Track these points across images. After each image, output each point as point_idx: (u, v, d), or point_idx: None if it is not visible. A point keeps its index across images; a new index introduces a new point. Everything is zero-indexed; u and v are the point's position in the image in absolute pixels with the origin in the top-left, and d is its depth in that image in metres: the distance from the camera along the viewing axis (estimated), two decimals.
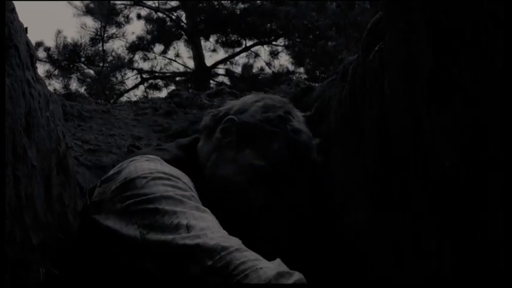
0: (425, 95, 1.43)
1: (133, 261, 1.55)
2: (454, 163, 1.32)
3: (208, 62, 15.48)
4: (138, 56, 15.48)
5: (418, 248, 1.60)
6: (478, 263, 1.25)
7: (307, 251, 2.66)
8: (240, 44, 15.15)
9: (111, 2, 14.58)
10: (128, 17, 14.97)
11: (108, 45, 14.84)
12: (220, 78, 15.60)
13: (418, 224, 1.59)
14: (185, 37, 15.24)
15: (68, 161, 1.90)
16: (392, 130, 1.75)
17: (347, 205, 2.28)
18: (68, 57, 14.19)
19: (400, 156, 1.70)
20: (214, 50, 15.23)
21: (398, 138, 1.70)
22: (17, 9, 1.52)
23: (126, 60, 15.18)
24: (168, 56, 15.72)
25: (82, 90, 13.80)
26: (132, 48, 15.19)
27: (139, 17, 15.22)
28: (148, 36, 15.32)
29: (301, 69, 14.90)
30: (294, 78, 12.82)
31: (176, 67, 15.92)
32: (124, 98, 14.01)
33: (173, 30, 15.32)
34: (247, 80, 14.28)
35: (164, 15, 15.38)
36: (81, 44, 14.25)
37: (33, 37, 1.68)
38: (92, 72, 14.82)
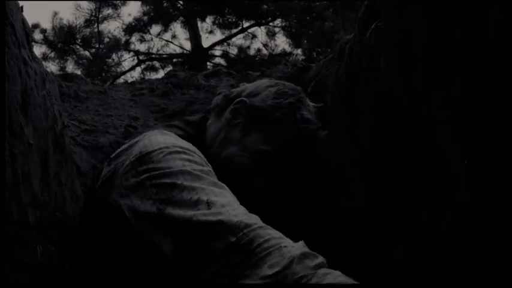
0: (421, 69, 1.44)
1: (148, 241, 1.49)
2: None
3: (205, 43, 15.44)
4: (134, 38, 15.41)
5: (414, 221, 1.61)
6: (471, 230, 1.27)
7: (304, 230, 2.67)
8: (237, 25, 15.09)
9: None
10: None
11: (104, 27, 14.78)
12: (217, 60, 15.55)
13: (414, 197, 1.60)
14: (182, 18, 15.17)
15: (65, 139, 1.90)
16: (389, 107, 1.75)
17: (343, 184, 2.29)
18: (63, 39, 14.12)
19: (397, 133, 1.70)
20: (211, 32, 15.16)
21: (395, 115, 1.71)
22: None
23: (122, 41, 15.11)
24: (165, 38, 15.66)
25: (78, 72, 13.75)
26: (129, 29, 15.12)
27: None
28: (145, 18, 15.24)
29: (299, 51, 14.86)
30: (291, 59, 12.80)
31: (173, 49, 15.85)
32: (121, 80, 13.97)
33: (170, 11, 15.23)
34: (244, 61, 14.24)
35: None
36: (76, 25, 14.18)
37: (29, 19, 1.67)
38: (87, 54, 14.76)
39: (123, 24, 15.17)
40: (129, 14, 15.75)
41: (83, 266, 1.66)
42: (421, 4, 1.41)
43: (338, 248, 2.37)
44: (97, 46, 14.55)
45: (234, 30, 15.22)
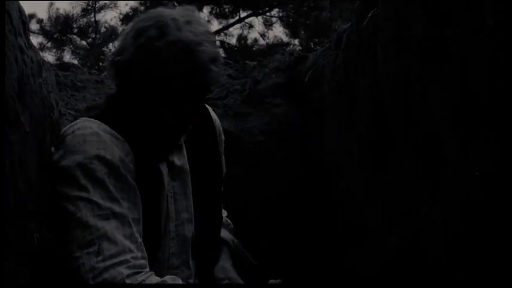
0: (417, 56, 1.44)
1: None
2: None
3: None
4: None
5: (409, 209, 1.61)
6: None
7: (302, 218, 2.68)
8: (234, 15, 15.06)
9: None
10: None
11: (101, 16, 14.74)
12: None
13: (410, 186, 1.60)
14: None
15: (61, 128, 1.90)
16: (385, 95, 1.75)
17: (341, 173, 2.29)
18: (60, 29, 14.09)
19: (393, 121, 1.71)
20: (208, 22, 15.15)
21: (391, 102, 1.71)
22: None
23: (119, 31, 15.07)
24: None
25: (75, 62, 13.72)
26: (126, 19, 15.07)
27: None
28: (142, 7, 15.20)
29: (296, 41, 14.84)
30: (288, 48, 12.78)
31: None
32: None
33: (167, 2, 15.22)
34: (242, 51, 14.21)
35: None
36: (73, 15, 14.15)
37: (26, 9, 1.66)
38: (84, 43, 14.73)
39: (120, 13, 15.13)
40: (126, 4, 15.68)
41: None
42: None
43: (335, 236, 2.38)
44: (94, 36, 14.51)
45: (231, 20, 15.19)
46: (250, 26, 15.22)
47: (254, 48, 14.83)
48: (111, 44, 14.82)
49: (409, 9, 1.48)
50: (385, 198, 1.81)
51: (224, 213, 2.25)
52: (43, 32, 14.23)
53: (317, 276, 2.30)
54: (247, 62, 3.94)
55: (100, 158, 1.59)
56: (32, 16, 13.87)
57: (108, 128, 1.65)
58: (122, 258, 1.51)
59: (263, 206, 2.74)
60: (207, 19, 14.91)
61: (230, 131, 3.08)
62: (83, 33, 14.42)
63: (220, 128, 2.10)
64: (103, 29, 14.84)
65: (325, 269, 2.40)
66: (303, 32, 14.47)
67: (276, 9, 14.71)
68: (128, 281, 1.49)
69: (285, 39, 14.93)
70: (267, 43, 14.95)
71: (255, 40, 15.30)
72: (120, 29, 14.99)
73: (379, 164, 1.86)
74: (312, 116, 2.87)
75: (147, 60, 1.67)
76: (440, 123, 1.38)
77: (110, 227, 1.53)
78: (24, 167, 1.42)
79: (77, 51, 14.60)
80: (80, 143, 1.60)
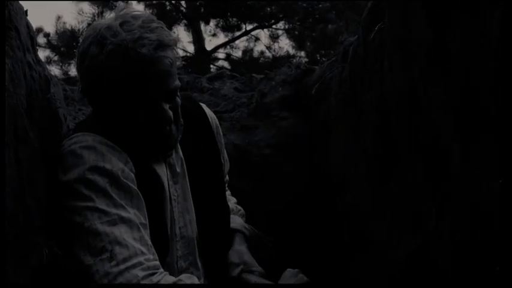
0: (423, 69, 1.44)
1: None
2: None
3: (209, 46, 15.43)
4: None
5: (416, 222, 1.61)
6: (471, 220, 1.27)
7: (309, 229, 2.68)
8: (240, 28, 15.08)
9: None
10: (127, 1, 14.91)
11: None
12: (220, 63, 15.55)
13: (417, 198, 1.60)
14: (185, 21, 15.17)
15: None
16: (391, 108, 1.75)
17: (347, 184, 2.29)
18: (67, 43, 14.14)
19: (399, 135, 1.70)
20: (214, 34, 15.15)
21: (397, 115, 1.71)
22: None
23: None
24: None
25: None
26: None
27: (138, 0, 15.16)
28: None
29: (302, 53, 14.85)
30: (294, 61, 12.80)
31: (177, 51, 15.84)
32: None
33: (173, 14, 15.24)
34: (248, 64, 14.24)
35: (164, 0, 15.32)
36: (79, 30, 14.20)
37: (33, 23, 1.67)
38: None
39: None
40: None
41: None
42: (422, 4, 1.41)
43: (341, 249, 2.37)
44: None
45: (238, 33, 15.22)
46: (256, 39, 15.26)
47: (260, 61, 14.85)
48: None
49: (415, 22, 1.48)
50: (391, 211, 1.81)
51: (233, 200, 2.25)
52: (50, 45, 14.29)
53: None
54: (253, 75, 3.95)
55: (99, 169, 1.60)
56: (39, 30, 13.94)
57: (104, 140, 1.66)
58: (135, 261, 1.51)
59: (270, 219, 2.74)
60: (213, 32, 14.99)
61: (237, 144, 3.09)
62: None
63: (217, 121, 2.09)
64: None
65: (331, 281, 2.40)
66: (308, 44, 14.49)
67: (282, 22, 14.75)
68: (144, 283, 1.50)
69: (291, 51, 14.96)
70: (273, 55, 14.97)
71: (261, 53, 15.33)
72: None
73: (385, 176, 1.86)
74: (318, 128, 2.87)
75: (98, 80, 1.65)
76: (446, 135, 1.38)
77: (119, 231, 1.54)
78: (33, 183, 1.42)
79: None
80: (78, 157, 1.61)
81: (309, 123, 3.04)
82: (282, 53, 14.92)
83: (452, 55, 1.29)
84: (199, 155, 1.93)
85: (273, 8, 14.33)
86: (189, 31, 15.37)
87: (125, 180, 1.62)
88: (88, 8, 14.31)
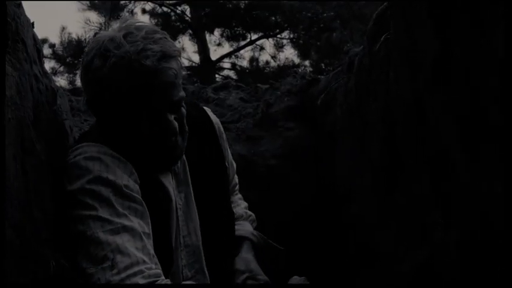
0: (429, 79, 1.44)
1: None
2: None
3: (214, 55, 15.47)
4: None
5: (423, 227, 1.61)
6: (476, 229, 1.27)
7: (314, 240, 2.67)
8: (245, 38, 15.11)
9: None
10: (132, 11, 14.94)
11: None
12: (225, 72, 15.58)
13: (423, 209, 1.60)
14: (190, 31, 15.21)
15: None
16: (397, 119, 1.75)
17: (353, 195, 2.29)
18: (72, 54, 14.19)
19: (405, 145, 1.70)
20: (219, 44, 15.19)
21: (403, 126, 1.71)
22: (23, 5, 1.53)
23: None
24: None
25: None
26: None
27: (144, 11, 15.19)
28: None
29: (307, 62, 14.87)
30: (300, 70, 12.80)
31: (181, 61, 15.87)
32: None
33: (178, 24, 15.28)
34: (253, 74, 14.25)
35: (169, 10, 15.35)
36: (85, 39, 14.25)
37: (38, 34, 1.68)
38: None
39: None
40: None
41: None
42: (429, 14, 1.42)
43: (346, 260, 2.37)
44: None
45: (242, 42, 15.25)
46: (261, 48, 15.29)
47: (266, 70, 14.87)
48: None
49: (421, 32, 1.48)
50: (397, 222, 1.81)
51: (243, 204, 2.24)
52: (55, 56, 14.33)
53: None
54: (259, 85, 3.95)
55: (102, 179, 1.60)
56: (44, 41, 13.98)
57: (109, 151, 1.66)
58: (136, 269, 1.51)
59: (278, 230, 2.74)
60: (218, 42, 15.02)
61: (243, 155, 3.09)
62: None
63: (221, 127, 2.08)
64: None
65: None
66: (313, 53, 14.50)
67: (287, 31, 14.77)
68: None
69: (296, 60, 14.98)
70: (278, 65, 14.99)
71: (267, 62, 15.35)
72: None
73: (391, 187, 1.85)
74: (324, 139, 2.87)
75: (102, 92, 1.65)
76: (452, 146, 1.37)
77: (122, 240, 1.54)
78: (40, 195, 1.42)
79: None
80: (83, 168, 1.61)
81: (314, 134, 3.04)
82: (287, 62, 14.95)
83: (458, 66, 1.29)
84: (203, 159, 1.93)
85: (277, 17, 14.36)
86: (194, 41, 15.41)
87: (128, 190, 1.62)
88: (95, 17, 14.36)
